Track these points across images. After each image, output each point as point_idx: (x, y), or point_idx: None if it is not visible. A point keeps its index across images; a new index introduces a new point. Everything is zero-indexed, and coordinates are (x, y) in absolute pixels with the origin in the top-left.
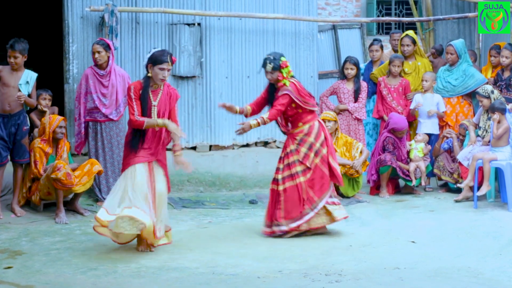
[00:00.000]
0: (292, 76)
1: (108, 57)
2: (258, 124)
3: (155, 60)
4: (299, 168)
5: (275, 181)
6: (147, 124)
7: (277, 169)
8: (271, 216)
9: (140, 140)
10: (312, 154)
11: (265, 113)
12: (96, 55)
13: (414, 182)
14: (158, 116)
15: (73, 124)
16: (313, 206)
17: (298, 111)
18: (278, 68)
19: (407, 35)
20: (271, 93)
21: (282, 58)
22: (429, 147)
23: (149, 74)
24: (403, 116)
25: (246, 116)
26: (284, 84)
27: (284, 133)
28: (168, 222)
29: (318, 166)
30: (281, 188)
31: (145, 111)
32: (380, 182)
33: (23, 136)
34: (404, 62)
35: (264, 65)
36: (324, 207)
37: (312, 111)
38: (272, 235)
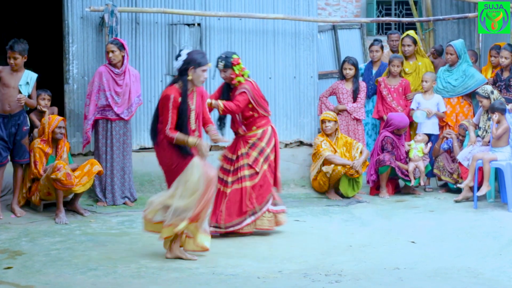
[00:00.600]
0: (248, 76)
1: (123, 57)
2: (210, 104)
3: (199, 62)
4: (247, 172)
5: (224, 182)
6: (176, 140)
7: (226, 171)
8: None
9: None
10: (261, 159)
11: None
12: (110, 55)
13: (413, 182)
14: (196, 119)
15: (73, 124)
16: (252, 212)
17: (254, 115)
18: (230, 65)
19: (408, 35)
20: (226, 93)
21: (234, 56)
22: (430, 145)
23: (190, 77)
24: (402, 113)
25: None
26: (240, 82)
27: (235, 133)
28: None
29: (265, 173)
30: (228, 190)
31: (185, 117)
32: (379, 183)
33: (23, 137)
34: (404, 62)
35: (216, 65)
36: (268, 210)
37: (266, 116)
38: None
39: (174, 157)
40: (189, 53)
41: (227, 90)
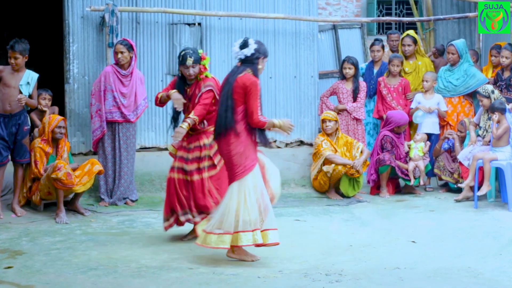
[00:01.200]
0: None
1: (131, 58)
2: (189, 126)
3: (266, 53)
4: (206, 163)
5: (182, 170)
6: (268, 124)
7: (182, 159)
8: (171, 207)
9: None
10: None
11: (192, 112)
12: (119, 55)
13: (412, 181)
14: None
15: (73, 124)
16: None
17: (214, 110)
18: (199, 60)
19: (408, 34)
20: (181, 88)
21: (200, 51)
22: (429, 144)
23: (260, 66)
24: (401, 111)
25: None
26: (207, 77)
27: (193, 129)
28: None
29: (223, 167)
30: (193, 178)
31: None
32: (380, 182)
33: (24, 136)
34: (404, 61)
35: (184, 60)
36: None
37: None
38: (172, 227)
39: (248, 146)
40: (257, 43)
41: (182, 85)
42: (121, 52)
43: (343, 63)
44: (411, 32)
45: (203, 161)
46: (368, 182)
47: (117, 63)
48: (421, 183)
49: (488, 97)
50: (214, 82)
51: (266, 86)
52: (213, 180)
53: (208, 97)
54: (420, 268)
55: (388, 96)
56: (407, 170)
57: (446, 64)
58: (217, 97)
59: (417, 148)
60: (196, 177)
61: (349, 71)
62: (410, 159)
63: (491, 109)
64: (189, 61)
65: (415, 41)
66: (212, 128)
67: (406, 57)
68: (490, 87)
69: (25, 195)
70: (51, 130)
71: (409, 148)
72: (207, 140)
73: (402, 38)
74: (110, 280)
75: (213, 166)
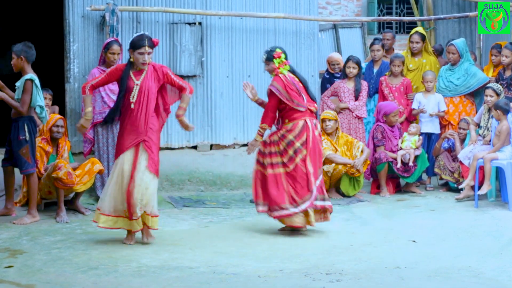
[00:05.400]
0: (289, 70)
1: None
2: (261, 136)
3: (133, 45)
4: (279, 159)
5: (261, 164)
6: (85, 99)
7: (263, 154)
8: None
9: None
10: (291, 152)
11: (261, 121)
12: (116, 56)
13: (399, 164)
14: (140, 95)
15: (74, 123)
16: (294, 206)
17: (286, 108)
18: (271, 58)
19: (416, 32)
20: None
21: (277, 49)
22: (421, 138)
23: (131, 59)
24: (390, 102)
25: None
26: (277, 75)
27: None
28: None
29: (298, 166)
30: (268, 172)
31: (125, 91)
32: (379, 181)
33: (18, 147)
34: (410, 58)
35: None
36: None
37: (299, 111)
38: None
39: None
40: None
41: None
42: (118, 54)
43: (347, 62)
44: (419, 29)
45: (275, 156)
46: (368, 177)
47: (105, 62)
48: (410, 163)
49: (499, 95)
50: (280, 82)
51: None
52: (287, 177)
53: (270, 103)
54: (421, 267)
55: (389, 95)
56: (403, 164)
57: (446, 64)
58: (280, 97)
59: (410, 141)
60: (270, 171)
61: (353, 70)
62: (401, 149)
63: (495, 106)
64: (263, 58)
65: (423, 39)
66: (283, 126)
67: (413, 54)
68: (501, 87)
69: (25, 195)
70: (49, 129)
71: (402, 140)
72: (275, 136)
73: (411, 35)
74: (111, 279)
75: (285, 163)
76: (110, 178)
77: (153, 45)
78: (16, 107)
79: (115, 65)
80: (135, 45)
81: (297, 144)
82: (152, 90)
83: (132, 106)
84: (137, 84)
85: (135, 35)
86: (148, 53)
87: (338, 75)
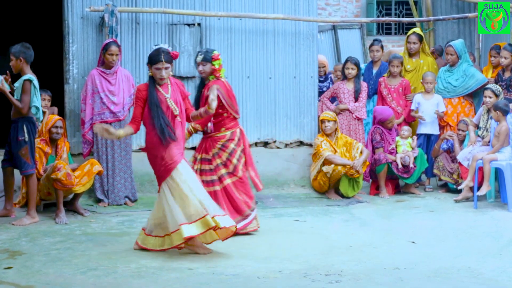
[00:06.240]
0: (223, 77)
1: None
2: (195, 131)
3: (150, 60)
4: (224, 171)
5: (209, 182)
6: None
7: (204, 171)
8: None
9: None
10: (234, 160)
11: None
12: (114, 58)
13: (399, 163)
14: (178, 107)
15: (73, 124)
16: (252, 208)
17: (224, 114)
18: (209, 60)
19: (414, 32)
20: (198, 90)
21: (215, 52)
22: (415, 138)
23: (150, 73)
24: (386, 107)
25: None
26: (218, 78)
27: (203, 132)
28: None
29: (244, 172)
30: (216, 188)
31: (157, 104)
32: (379, 182)
33: (17, 148)
34: (407, 59)
35: (195, 58)
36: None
37: (235, 118)
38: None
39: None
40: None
41: (200, 87)
42: (116, 55)
43: (345, 63)
44: (417, 29)
45: (218, 170)
46: (366, 178)
47: (105, 64)
48: (411, 165)
49: (499, 96)
50: (222, 85)
51: (266, 86)
52: (236, 185)
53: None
54: (420, 268)
55: (388, 96)
56: (403, 165)
57: (445, 65)
58: (223, 100)
59: (405, 145)
60: (218, 186)
61: (352, 71)
62: (397, 153)
63: (494, 107)
64: (199, 58)
65: (420, 39)
66: (219, 135)
67: (411, 55)
68: (500, 88)
69: (24, 195)
70: (48, 130)
71: (397, 145)
72: (215, 149)
73: (408, 36)
74: (110, 280)
75: (232, 173)
76: (169, 194)
77: (171, 59)
78: (18, 105)
79: (135, 89)
80: (152, 60)
81: (238, 152)
82: (181, 101)
83: (179, 119)
84: (167, 98)
85: (153, 48)
86: (166, 68)
87: (322, 79)
